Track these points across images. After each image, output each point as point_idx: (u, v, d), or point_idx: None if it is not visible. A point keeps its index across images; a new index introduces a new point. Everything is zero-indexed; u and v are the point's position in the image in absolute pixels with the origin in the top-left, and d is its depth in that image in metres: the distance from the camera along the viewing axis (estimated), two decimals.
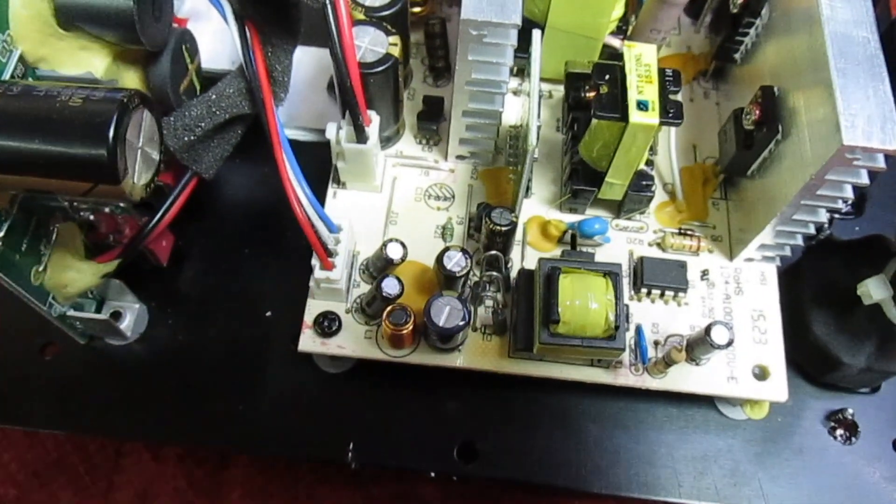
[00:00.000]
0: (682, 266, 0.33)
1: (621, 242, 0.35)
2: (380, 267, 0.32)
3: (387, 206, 0.35)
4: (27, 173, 0.24)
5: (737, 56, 0.36)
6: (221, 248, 0.37)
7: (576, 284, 0.30)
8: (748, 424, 0.34)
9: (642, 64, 0.30)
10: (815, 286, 0.34)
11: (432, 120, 0.36)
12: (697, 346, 0.31)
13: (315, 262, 0.31)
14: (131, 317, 0.35)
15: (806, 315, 0.34)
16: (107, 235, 0.33)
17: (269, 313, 0.35)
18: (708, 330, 0.30)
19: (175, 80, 0.31)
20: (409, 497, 0.35)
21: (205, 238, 0.37)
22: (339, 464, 0.35)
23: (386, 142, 0.36)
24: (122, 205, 0.31)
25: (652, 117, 0.29)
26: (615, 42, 0.36)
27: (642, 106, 0.29)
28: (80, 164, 0.24)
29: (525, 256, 0.34)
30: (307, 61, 0.39)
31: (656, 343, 0.32)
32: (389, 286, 0.30)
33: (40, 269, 0.30)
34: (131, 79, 0.30)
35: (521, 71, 0.36)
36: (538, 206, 0.35)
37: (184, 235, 0.37)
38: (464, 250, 0.31)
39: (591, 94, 0.34)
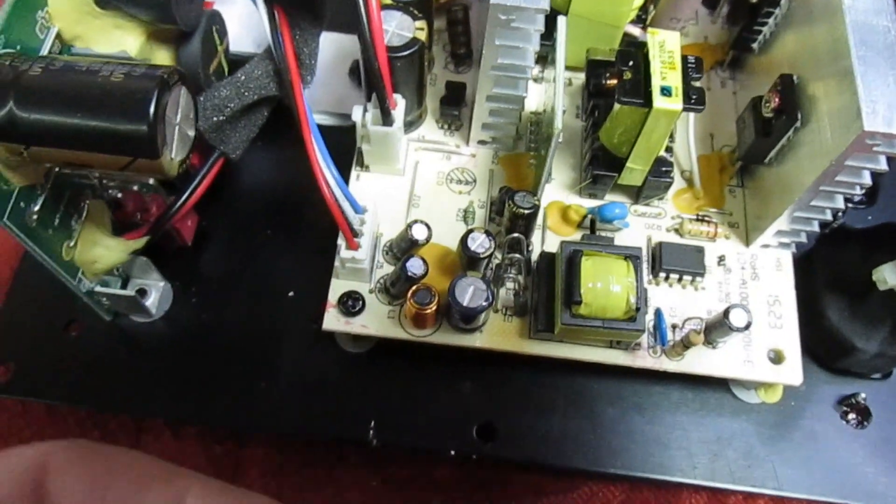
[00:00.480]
0: (700, 251, 0.34)
1: (639, 228, 0.35)
2: (404, 248, 0.32)
3: (409, 190, 0.35)
4: (68, 146, 0.24)
5: (754, 46, 0.37)
6: (244, 230, 0.37)
7: (597, 267, 0.30)
8: (762, 408, 0.35)
9: (665, 50, 0.31)
10: (829, 273, 0.34)
11: (454, 105, 0.36)
12: (715, 329, 0.31)
13: (341, 241, 0.32)
14: (156, 295, 0.35)
15: (820, 301, 0.34)
16: (133, 214, 0.34)
17: (291, 293, 0.36)
18: (727, 313, 0.30)
19: (205, 61, 0.32)
20: (426, 478, 0.36)
21: (228, 219, 0.38)
22: (358, 444, 0.35)
23: (408, 126, 0.36)
24: (150, 182, 0.32)
25: (675, 103, 0.30)
26: (635, 31, 0.36)
27: (666, 92, 0.30)
28: (120, 139, 0.24)
29: (545, 240, 0.35)
30: (328, 47, 0.40)
31: (674, 326, 0.33)
32: (414, 266, 0.31)
33: (71, 244, 0.31)
34: (163, 58, 0.30)
35: (543, 58, 0.37)
36: (558, 192, 0.36)
37: (207, 216, 0.37)
38: (487, 232, 0.31)
39: (612, 82, 0.34)
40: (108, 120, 0.24)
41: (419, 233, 0.31)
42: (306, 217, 0.38)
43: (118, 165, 0.25)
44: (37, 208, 0.28)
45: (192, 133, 0.27)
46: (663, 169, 0.34)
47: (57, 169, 0.29)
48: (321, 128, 0.37)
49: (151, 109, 0.24)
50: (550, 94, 0.33)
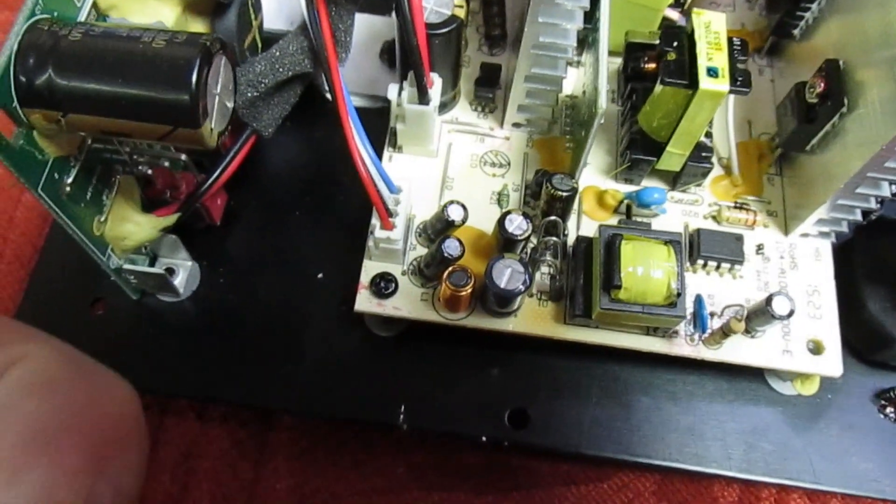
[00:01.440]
0: (739, 239, 0.33)
1: (676, 214, 0.34)
2: (439, 229, 0.32)
3: (442, 171, 0.35)
4: (107, 114, 0.24)
5: (795, 32, 0.36)
6: (272, 210, 0.37)
7: (637, 251, 0.30)
8: (798, 400, 0.34)
9: (711, 31, 0.30)
10: (869, 264, 0.34)
11: (489, 87, 0.36)
12: (756, 318, 0.31)
13: (375, 221, 0.31)
14: (184, 274, 0.35)
15: (859, 292, 0.34)
16: (163, 191, 0.33)
17: (320, 276, 0.35)
18: (769, 300, 0.30)
19: (241, 35, 0.31)
20: (452, 465, 0.35)
21: (256, 200, 0.37)
22: (385, 429, 0.35)
23: (442, 108, 0.36)
24: (182, 158, 0.31)
25: (722, 84, 0.29)
26: (673, 14, 0.36)
27: (712, 72, 0.29)
28: (161, 107, 0.24)
29: (580, 225, 0.34)
30: (359, 28, 0.39)
31: (712, 314, 0.32)
32: (451, 247, 0.30)
33: (101, 219, 0.30)
34: (198, 30, 0.30)
35: (581, 43, 0.36)
36: (593, 176, 0.35)
37: (235, 196, 0.37)
38: (525, 214, 0.31)
39: (651, 66, 0.34)
40: (149, 87, 0.23)
41: (455, 213, 0.31)
42: (335, 199, 0.37)
43: (157, 135, 0.24)
44: (70, 180, 0.27)
45: (230, 105, 0.26)
46: (703, 154, 0.33)
47: (90, 141, 0.29)
48: None
49: (194, 77, 0.23)
50: (590, 75, 0.32)
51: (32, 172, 0.25)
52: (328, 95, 0.40)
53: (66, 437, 0.15)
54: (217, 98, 0.25)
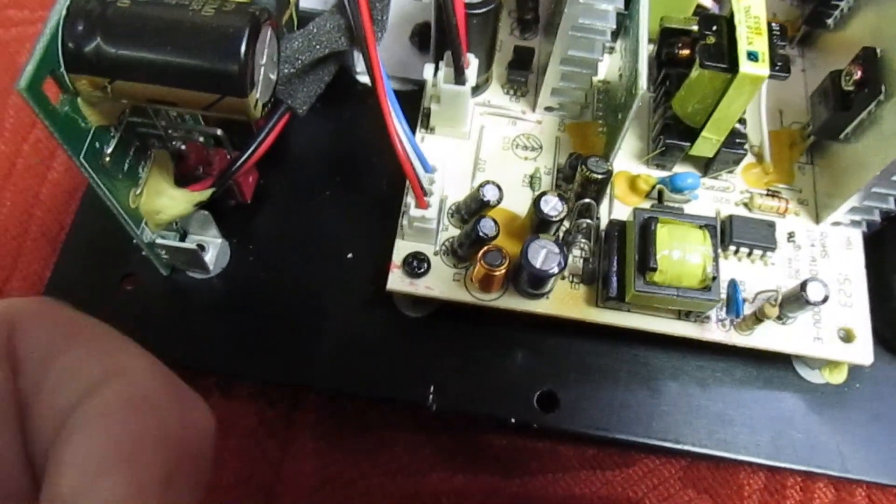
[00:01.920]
0: (771, 226, 0.33)
1: (708, 201, 0.34)
2: (473, 209, 0.32)
3: (475, 154, 0.35)
4: (154, 82, 0.24)
5: (829, 21, 0.36)
6: (302, 190, 0.37)
7: (673, 234, 0.30)
8: (826, 389, 0.34)
9: (751, 16, 0.30)
10: None
11: (522, 70, 0.36)
12: (789, 303, 0.31)
13: (410, 200, 0.31)
14: (214, 251, 0.35)
15: (889, 282, 0.34)
16: (195, 167, 0.33)
17: (349, 255, 0.35)
18: (803, 286, 0.30)
19: (279, 10, 0.31)
20: (480, 448, 0.35)
21: (286, 179, 0.37)
22: (412, 410, 0.35)
23: (475, 90, 0.35)
24: (218, 132, 0.31)
25: (762, 68, 0.29)
26: (707, 2, 0.36)
27: (752, 57, 0.29)
28: (210, 76, 0.23)
29: (612, 210, 0.34)
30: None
31: (744, 300, 0.32)
32: (487, 227, 0.30)
33: (137, 192, 0.30)
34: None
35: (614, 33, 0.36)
36: (624, 161, 0.35)
37: (265, 175, 0.37)
38: (561, 195, 0.31)
39: (685, 51, 0.34)
40: (197, 56, 0.23)
41: (491, 193, 0.31)
42: (364, 181, 0.37)
43: (203, 104, 0.24)
44: (109, 150, 0.27)
45: (273, 77, 0.26)
46: (737, 141, 0.33)
47: (128, 112, 0.29)
48: None
49: (244, 47, 0.23)
50: (627, 59, 0.32)
51: (75, 140, 0.25)
52: (358, 77, 0.40)
53: (149, 453, 0.15)
54: (262, 69, 0.25)
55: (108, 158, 0.27)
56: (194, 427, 0.17)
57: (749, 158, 0.35)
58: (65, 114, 0.24)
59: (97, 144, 0.27)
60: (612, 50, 0.37)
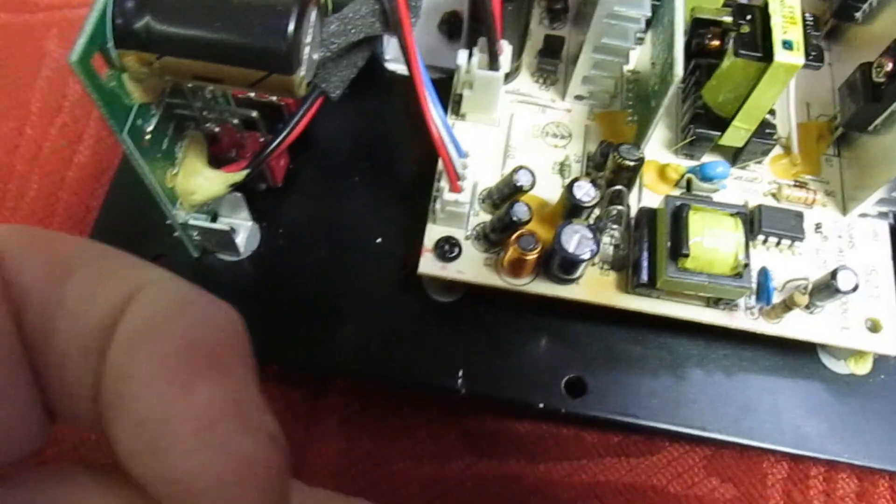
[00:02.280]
0: (800, 216, 0.33)
1: (735, 191, 0.35)
2: (506, 194, 0.32)
3: (504, 141, 0.35)
4: (203, 58, 0.24)
5: (858, 15, 0.36)
6: (331, 175, 0.37)
7: (705, 221, 0.30)
8: (851, 379, 0.34)
9: (786, 5, 0.30)
10: None
11: (552, 59, 0.36)
12: (819, 292, 0.31)
13: (443, 184, 0.31)
14: (244, 233, 0.35)
15: None
16: (228, 149, 0.33)
17: (378, 240, 0.35)
18: (834, 274, 0.30)
19: None
20: (505, 434, 0.35)
21: (315, 164, 0.37)
22: (439, 395, 0.35)
23: (505, 78, 0.36)
24: (254, 114, 0.31)
25: (797, 56, 0.29)
26: None
27: (787, 45, 0.29)
28: (258, 53, 0.24)
29: (641, 198, 0.34)
30: None
31: (773, 289, 0.32)
32: (520, 212, 0.30)
33: (174, 171, 0.30)
34: None
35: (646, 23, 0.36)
36: (653, 151, 0.35)
37: (295, 160, 0.37)
38: (594, 182, 0.31)
39: (715, 42, 0.34)
40: (246, 33, 0.23)
41: (524, 178, 0.31)
42: (393, 167, 0.38)
43: (250, 80, 0.24)
44: (150, 128, 0.28)
45: (316, 57, 0.27)
46: (767, 131, 0.33)
47: (167, 92, 0.29)
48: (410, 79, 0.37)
49: (292, 24, 0.23)
50: (660, 48, 0.32)
51: (120, 116, 0.25)
52: (386, 64, 0.40)
53: (222, 351, 0.15)
54: (307, 49, 0.25)
55: (148, 136, 0.27)
56: (235, 318, 0.16)
57: (776, 150, 0.36)
58: (111, 89, 0.25)
59: (139, 122, 0.27)
60: (641, 40, 0.37)
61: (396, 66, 0.39)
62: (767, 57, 0.30)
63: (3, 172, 0.41)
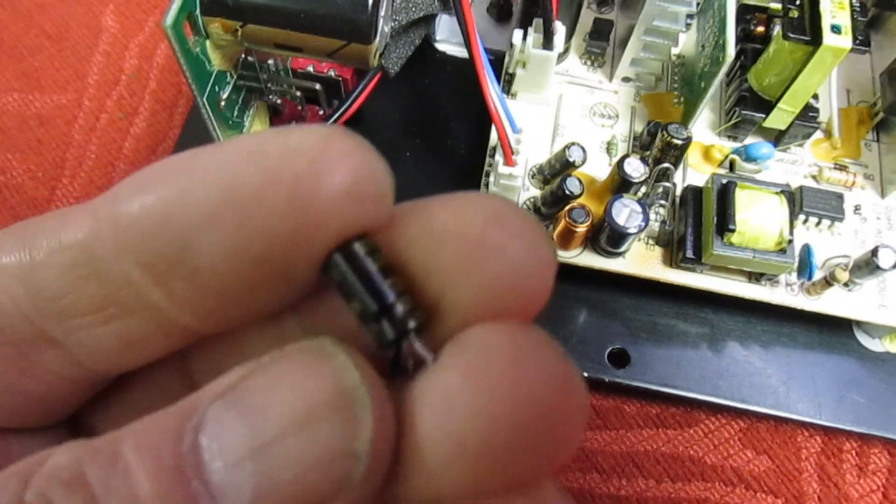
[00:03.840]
0: (840, 197, 0.34)
1: (777, 172, 0.36)
2: (557, 170, 0.33)
3: (554, 119, 0.36)
4: (286, 27, 0.25)
5: None
6: (384, 151, 0.38)
7: (751, 198, 0.31)
8: (886, 356, 0.35)
9: None
10: None
11: (601, 41, 0.37)
12: (859, 269, 0.32)
13: (499, 158, 0.33)
14: None
15: None
16: (289, 121, 0.35)
17: None
18: (875, 252, 0.31)
19: None
20: None
21: (368, 140, 0.38)
22: None
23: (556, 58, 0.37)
24: (317, 87, 0.33)
25: (845, 40, 0.30)
26: None
27: (836, 29, 0.30)
28: (339, 22, 0.25)
29: (686, 178, 0.35)
30: None
31: (815, 265, 0.33)
32: (573, 185, 0.32)
33: None
34: None
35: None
36: (699, 132, 0.36)
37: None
38: (643, 158, 0.32)
39: (760, 28, 0.35)
40: (329, 4, 0.25)
41: (576, 154, 0.32)
42: (443, 144, 0.39)
43: (329, 49, 0.26)
44: (225, 95, 0.29)
45: (388, 29, 0.28)
46: (810, 115, 0.34)
47: (241, 62, 0.30)
48: (458, 59, 0.38)
49: None
50: (711, 30, 0.33)
51: (202, 80, 0.27)
52: (437, 45, 0.41)
53: None
54: (381, 21, 0.26)
55: (223, 102, 0.29)
56: None
57: (818, 134, 0.37)
58: (196, 55, 0.26)
59: (216, 88, 0.28)
60: (689, 25, 0.38)
61: (447, 46, 0.40)
62: (816, 40, 0.31)
63: (62, 142, 0.42)
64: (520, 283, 0.13)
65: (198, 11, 0.25)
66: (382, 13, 0.26)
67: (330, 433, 0.11)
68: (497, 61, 0.37)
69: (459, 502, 0.12)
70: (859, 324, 0.35)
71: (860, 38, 0.31)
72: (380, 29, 0.26)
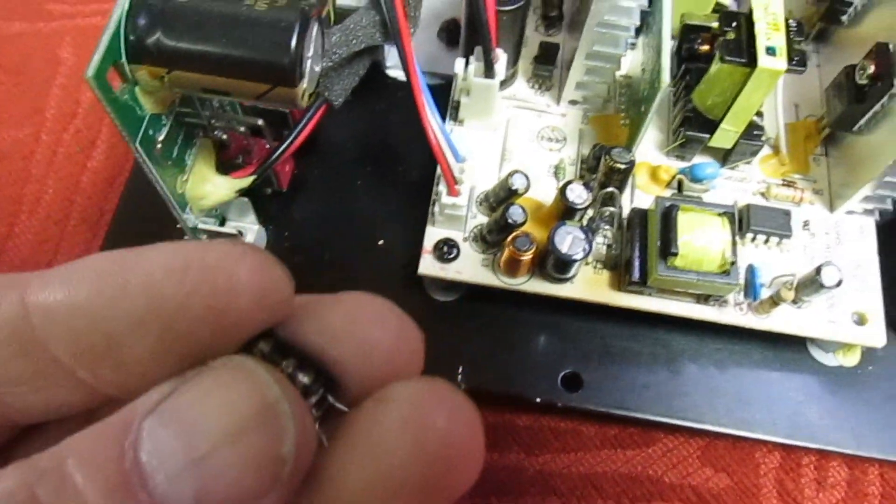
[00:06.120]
0: (787, 214, 0.34)
1: (726, 190, 0.36)
2: (502, 197, 0.33)
3: (501, 145, 0.36)
4: (211, 72, 0.25)
5: (844, 18, 0.37)
6: (336, 179, 0.38)
7: (694, 221, 0.31)
8: (840, 371, 0.35)
9: (769, 12, 0.31)
10: None
11: (547, 64, 0.37)
12: (805, 287, 0.32)
13: (441, 188, 0.33)
14: (251, 237, 0.36)
15: None
16: (236, 155, 0.35)
17: (381, 242, 0.37)
18: (818, 270, 0.31)
19: (320, 6, 0.32)
20: (505, 426, 0.37)
21: (320, 169, 0.39)
22: None
23: (501, 84, 0.37)
24: (259, 123, 0.33)
25: (780, 62, 0.30)
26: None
27: (770, 51, 0.31)
28: (263, 67, 0.25)
29: (633, 199, 0.35)
30: None
31: (761, 285, 0.34)
32: (516, 214, 0.32)
33: (184, 178, 0.32)
34: None
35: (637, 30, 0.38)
36: (646, 153, 0.36)
37: (300, 165, 0.38)
38: (586, 184, 0.32)
39: (705, 47, 0.35)
40: (252, 48, 0.25)
41: (519, 182, 0.32)
42: (395, 171, 0.39)
43: (255, 93, 0.26)
44: (161, 137, 0.29)
45: (317, 68, 0.28)
46: (755, 132, 0.34)
47: (177, 102, 0.30)
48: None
49: (294, 40, 0.25)
50: (649, 54, 0.33)
51: (133, 126, 0.27)
52: (388, 71, 0.41)
53: None
54: (309, 61, 0.26)
55: (159, 145, 0.29)
56: None
57: (766, 150, 0.37)
58: (124, 101, 0.26)
59: (150, 132, 0.28)
60: (633, 46, 0.38)
61: (398, 72, 0.41)
62: (752, 62, 0.31)
63: (20, 177, 0.42)
64: (399, 368, 0.17)
65: (124, 59, 0.25)
66: (310, 54, 0.26)
67: (259, 442, 0.13)
68: (448, 86, 0.37)
69: None
70: (813, 339, 0.35)
71: (796, 58, 0.31)
72: (307, 70, 0.26)
